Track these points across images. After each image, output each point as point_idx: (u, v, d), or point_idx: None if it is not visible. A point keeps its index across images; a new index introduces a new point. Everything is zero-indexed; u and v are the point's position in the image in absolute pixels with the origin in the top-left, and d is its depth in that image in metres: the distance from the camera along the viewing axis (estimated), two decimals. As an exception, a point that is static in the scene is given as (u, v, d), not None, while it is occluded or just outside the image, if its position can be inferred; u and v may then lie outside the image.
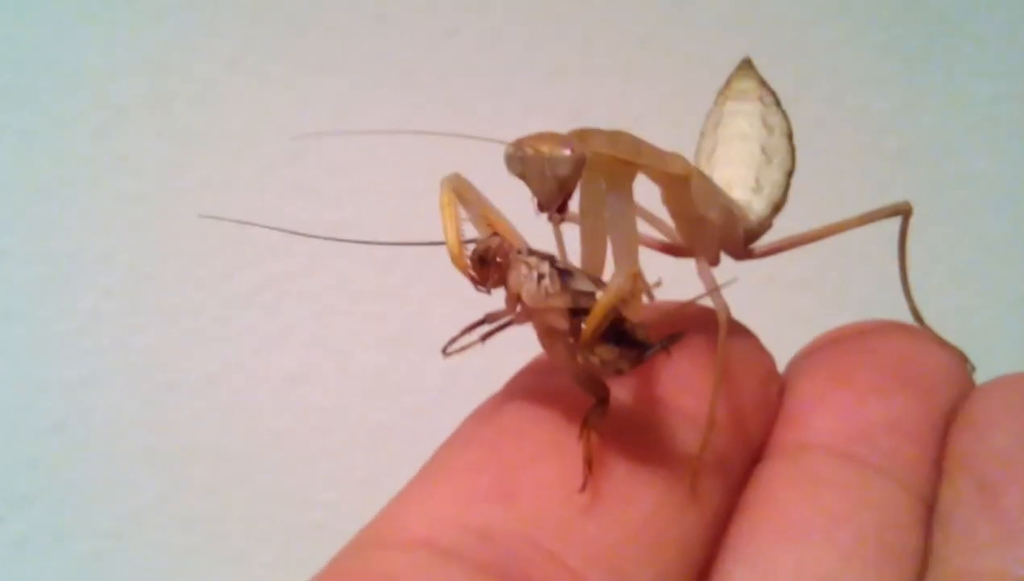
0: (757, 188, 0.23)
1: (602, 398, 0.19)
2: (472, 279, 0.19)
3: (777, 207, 0.24)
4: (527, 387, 0.20)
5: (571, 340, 0.19)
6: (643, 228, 0.23)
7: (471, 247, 0.19)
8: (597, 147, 0.19)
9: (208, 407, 0.46)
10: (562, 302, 0.19)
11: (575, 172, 0.19)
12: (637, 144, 0.20)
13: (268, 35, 0.46)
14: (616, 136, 0.20)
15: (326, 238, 0.20)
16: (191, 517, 0.46)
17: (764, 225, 0.24)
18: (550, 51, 0.46)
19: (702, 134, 0.25)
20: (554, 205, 0.19)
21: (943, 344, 0.22)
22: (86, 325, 0.46)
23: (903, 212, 0.23)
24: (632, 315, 0.19)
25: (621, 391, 0.20)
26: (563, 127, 0.19)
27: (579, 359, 0.19)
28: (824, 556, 0.18)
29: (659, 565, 0.18)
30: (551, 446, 0.18)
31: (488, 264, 0.19)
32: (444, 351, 0.19)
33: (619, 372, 0.18)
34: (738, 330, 0.22)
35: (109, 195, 0.46)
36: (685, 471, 0.19)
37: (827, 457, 0.20)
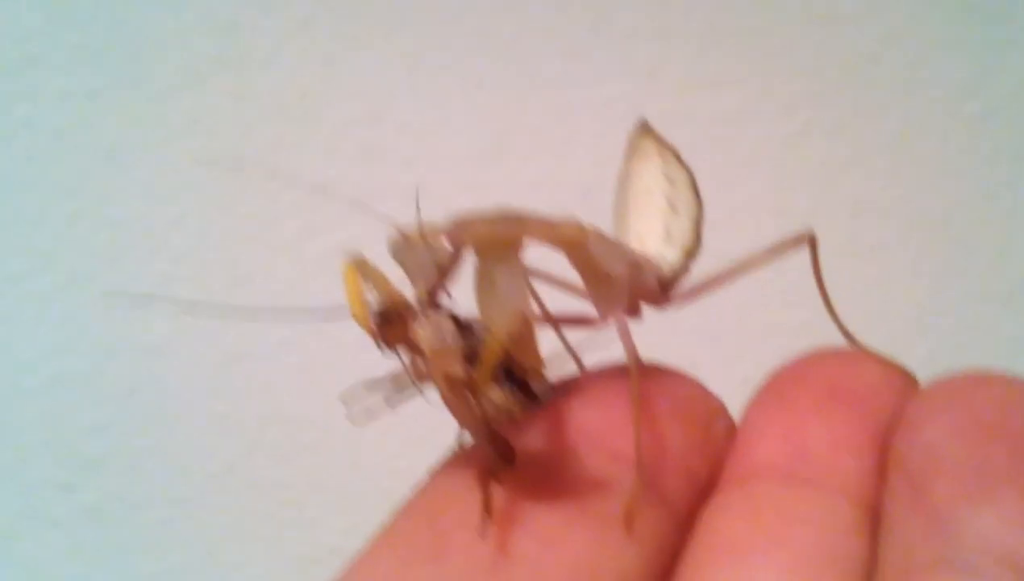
0: (667, 238, 0.25)
1: (506, 456, 0.20)
2: (375, 337, 0.20)
3: (690, 253, 0.25)
4: (467, 453, 0.21)
5: (469, 394, 0.20)
6: (556, 302, 0.24)
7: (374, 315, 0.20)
8: (478, 234, 0.20)
9: (280, 373, 0.46)
10: (459, 347, 0.20)
11: (451, 261, 0.20)
12: (522, 222, 0.21)
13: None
14: (499, 218, 0.21)
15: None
16: (263, 484, 0.46)
17: (679, 272, 0.25)
18: (622, 14, 0.46)
19: (615, 191, 0.26)
20: (432, 290, 0.20)
21: (880, 361, 0.23)
22: (156, 290, 0.45)
23: (808, 240, 0.24)
24: (524, 358, 0.19)
25: (541, 439, 0.20)
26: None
27: (476, 409, 0.19)
28: (764, 573, 0.19)
29: None
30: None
31: (391, 321, 0.20)
32: (349, 410, 0.21)
33: (512, 418, 0.19)
34: (673, 377, 0.23)
35: (178, 158, 0.45)
36: (620, 510, 0.19)
37: (768, 480, 0.20)
